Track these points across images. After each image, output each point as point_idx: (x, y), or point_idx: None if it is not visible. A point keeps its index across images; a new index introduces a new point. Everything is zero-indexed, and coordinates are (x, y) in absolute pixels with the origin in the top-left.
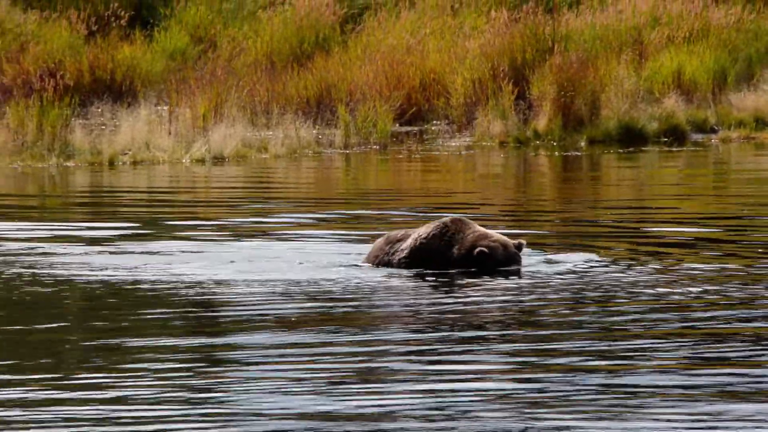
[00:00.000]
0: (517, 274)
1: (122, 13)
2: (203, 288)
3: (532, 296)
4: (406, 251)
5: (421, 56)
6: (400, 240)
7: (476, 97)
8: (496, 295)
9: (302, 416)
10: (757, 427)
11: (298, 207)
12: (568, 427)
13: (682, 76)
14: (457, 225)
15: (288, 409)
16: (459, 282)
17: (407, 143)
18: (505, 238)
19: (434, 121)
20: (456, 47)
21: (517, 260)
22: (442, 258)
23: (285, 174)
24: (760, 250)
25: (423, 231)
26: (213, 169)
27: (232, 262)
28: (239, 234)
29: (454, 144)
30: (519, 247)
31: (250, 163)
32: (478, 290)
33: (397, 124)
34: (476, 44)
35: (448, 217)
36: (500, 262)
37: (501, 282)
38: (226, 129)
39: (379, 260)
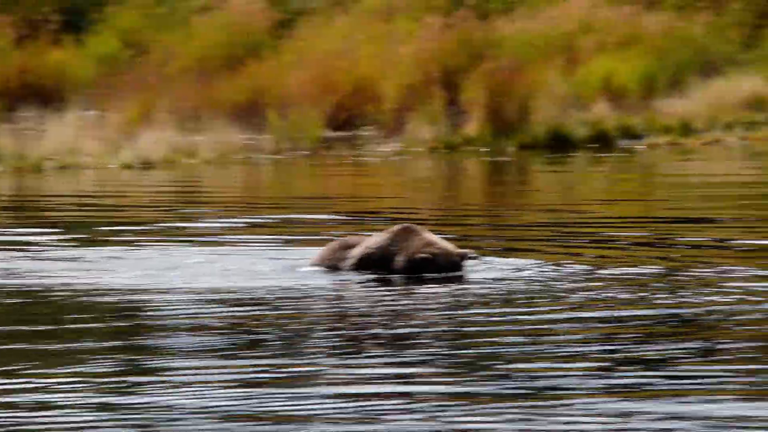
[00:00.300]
0: (456, 280)
1: (52, 17)
2: (128, 293)
3: (467, 300)
4: (355, 259)
5: (354, 62)
6: (352, 246)
7: (408, 102)
8: (431, 301)
9: (225, 418)
10: (671, 428)
11: (227, 212)
12: (492, 430)
13: (612, 83)
14: (406, 233)
15: (210, 412)
16: (394, 288)
17: (338, 149)
18: (451, 246)
19: (365, 127)
20: (389, 53)
21: (460, 268)
22: (389, 266)
23: (214, 179)
24: (678, 255)
25: (373, 240)
26: (141, 174)
27: (159, 267)
28: (166, 239)
29: (384, 149)
30: (466, 256)
31: (180, 169)
32: (413, 296)
33: (329, 130)
34: (409, 50)
35: (398, 226)
36: (442, 268)
37: (437, 287)
38: (155, 134)
39: (329, 263)
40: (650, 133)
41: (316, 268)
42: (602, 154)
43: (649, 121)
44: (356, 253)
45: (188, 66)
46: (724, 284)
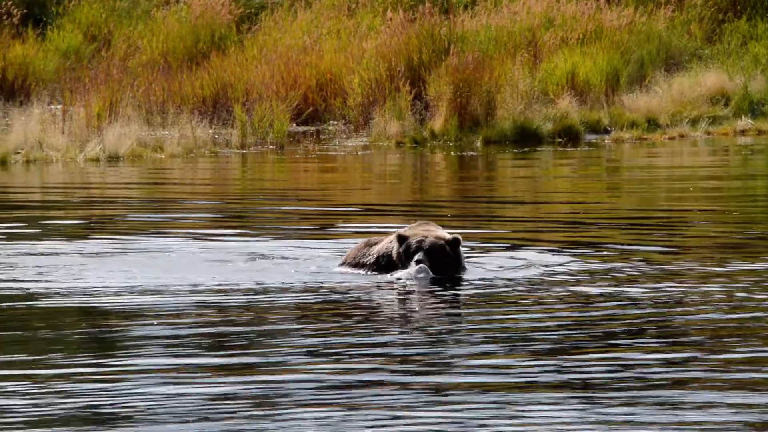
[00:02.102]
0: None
1: (14, 11)
2: (98, 290)
3: (424, 298)
4: (373, 256)
5: (318, 56)
6: (375, 244)
7: (373, 97)
8: (386, 298)
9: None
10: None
11: (194, 206)
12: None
13: (576, 78)
14: (421, 226)
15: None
16: (364, 285)
17: (304, 143)
18: (436, 233)
19: (331, 121)
20: (352, 47)
21: (446, 253)
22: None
23: (181, 173)
24: (602, 257)
25: (393, 236)
26: (108, 169)
27: (127, 261)
28: (133, 233)
29: (350, 144)
30: (456, 241)
31: (146, 163)
32: (378, 291)
33: (294, 124)
34: (373, 44)
35: (416, 222)
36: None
37: (394, 285)
38: (121, 128)
39: (355, 262)
40: (616, 128)
41: (344, 268)
42: (568, 149)
43: (614, 116)
44: (375, 251)
45: (152, 60)
46: (700, 277)
